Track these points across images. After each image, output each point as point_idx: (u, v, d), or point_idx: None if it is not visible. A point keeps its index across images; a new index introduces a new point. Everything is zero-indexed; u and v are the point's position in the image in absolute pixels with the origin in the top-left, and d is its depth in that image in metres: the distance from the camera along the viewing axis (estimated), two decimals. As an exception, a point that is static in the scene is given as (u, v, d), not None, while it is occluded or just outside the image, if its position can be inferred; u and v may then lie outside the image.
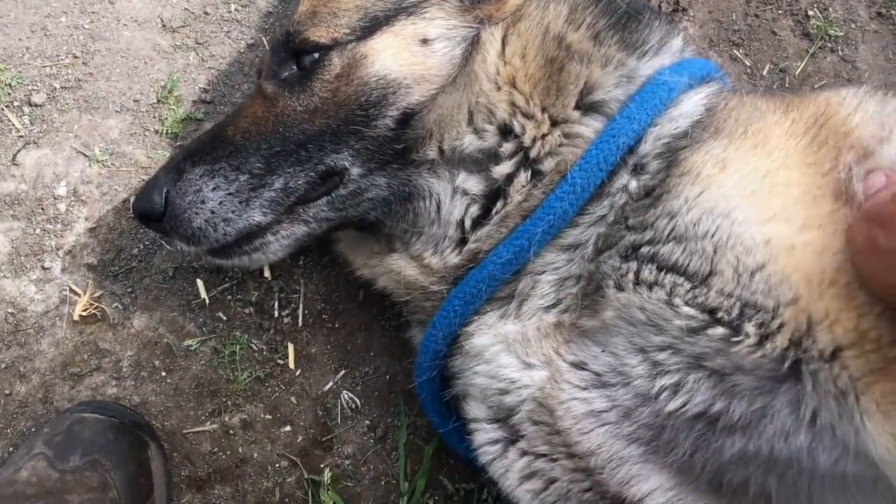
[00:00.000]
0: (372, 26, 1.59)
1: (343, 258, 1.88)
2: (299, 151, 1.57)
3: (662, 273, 1.28)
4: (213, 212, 1.58)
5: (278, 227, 1.62)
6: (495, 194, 1.55)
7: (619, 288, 1.32)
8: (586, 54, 1.51)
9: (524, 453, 1.45)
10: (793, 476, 1.20)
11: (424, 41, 1.58)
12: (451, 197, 1.57)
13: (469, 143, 1.54)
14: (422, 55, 1.58)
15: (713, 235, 1.25)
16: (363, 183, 1.59)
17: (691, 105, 1.48)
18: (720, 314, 1.19)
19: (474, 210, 1.56)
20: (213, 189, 1.58)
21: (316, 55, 1.59)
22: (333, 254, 1.94)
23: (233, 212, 1.58)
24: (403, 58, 1.57)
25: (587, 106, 1.52)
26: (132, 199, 1.69)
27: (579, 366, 1.36)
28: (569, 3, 1.56)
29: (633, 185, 1.42)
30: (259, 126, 1.61)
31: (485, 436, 1.51)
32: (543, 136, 1.51)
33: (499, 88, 1.52)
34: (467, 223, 1.56)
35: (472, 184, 1.55)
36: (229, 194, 1.57)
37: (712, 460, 1.23)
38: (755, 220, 1.24)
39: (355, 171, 1.58)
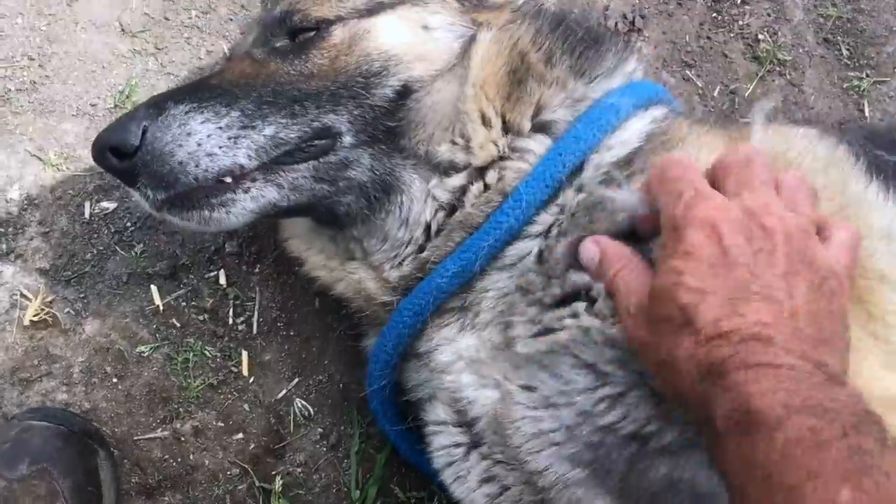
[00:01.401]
0: (375, 8, 1.62)
1: (297, 257, 1.85)
2: (293, 106, 1.54)
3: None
4: (199, 144, 1.47)
5: (250, 185, 1.52)
6: (456, 205, 1.58)
7: (574, 316, 1.35)
8: (540, 74, 1.55)
9: (484, 457, 1.48)
10: None
11: (426, 27, 1.62)
12: (423, 200, 1.58)
13: (445, 150, 1.56)
14: (423, 38, 1.61)
15: None
16: (351, 155, 1.57)
17: (632, 132, 1.52)
18: None
19: (440, 217, 1.58)
20: (202, 122, 1.48)
21: (315, 32, 1.60)
22: (289, 259, 1.94)
23: (220, 147, 1.48)
24: (406, 37, 1.59)
25: (537, 125, 1.55)
26: (99, 134, 1.53)
27: (529, 388, 1.39)
28: (536, 25, 1.62)
29: (577, 200, 1.46)
30: (249, 79, 1.58)
31: (449, 438, 1.53)
32: (493, 142, 1.54)
33: (475, 91, 1.55)
34: (433, 227, 1.58)
35: (441, 191, 1.57)
36: (219, 128, 1.48)
37: (644, 485, 1.27)
38: None
39: (348, 139, 1.56)
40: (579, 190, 1.47)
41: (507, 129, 1.55)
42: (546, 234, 1.47)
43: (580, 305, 1.36)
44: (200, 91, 1.55)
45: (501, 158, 1.54)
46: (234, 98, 1.52)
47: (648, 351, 1.11)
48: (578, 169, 1.48)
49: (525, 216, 1.46)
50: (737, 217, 1.08)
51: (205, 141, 1.47)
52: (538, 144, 1.53)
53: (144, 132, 1.47)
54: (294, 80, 1.57)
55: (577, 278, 1.36)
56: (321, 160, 1.56)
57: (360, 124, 1.56)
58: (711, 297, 1.02)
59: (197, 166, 1.47)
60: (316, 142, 1.55)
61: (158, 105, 1.52)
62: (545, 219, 1.47)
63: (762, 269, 1.03)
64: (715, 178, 1.17)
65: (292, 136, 1.53)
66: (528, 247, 1.48)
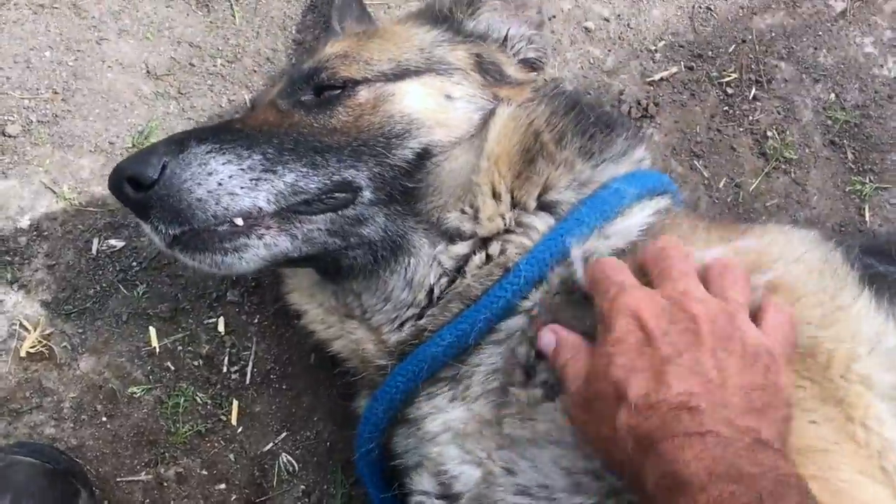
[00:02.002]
0: (401, 74, 1.68)
1: (297, 310, 1.87)
2: (314, 156, 1.56)
3: None
4: (220, 184, 1.49)
5: (265, 232, 1.53)
6: (458, 273, 1.60)
7: (551, 411, 1.37)
8: (551, 154, 1.59)
9: None
10: None
11: (448, 97, 1.67)
12: (429, 264, 1.61)
13: (454, 217, 1.59)
14: (445, 106, 1.65)
15: None
16: (368, 212, 1.59)
17: (633, 223, 1.55)
18: None
19: (443, 282, 1.60)
20: (224, 163, 1.50)
21: (340, 90, 1.64)
22: (289, 312, 1.96)
23: (241, 188, 1.50)
24: (428, 104, 1.64)
25: (543, 204, 1.59)
26: (118, 164, 1.54)
27: (510, 472, 1.40)
28: (552, 106, 1.66)
29: (567, 275, 1.47)
30: (272, 127, 1.61)
31: None
32: (501, 216, 1.57)
33: (489, 165, 1.58)
34: (436, 292, 1.60)
35: (446, 257, 1.60)
36: (241, 169, 1.51)
37: None
38: None
39: (367, 194, 1.58)
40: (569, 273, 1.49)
41: (514, 204, 1.59)
42: (529, 311, 1.49)
43: (551, 405, 1.38)
44: (223, 133, 1.58)
45: (507, 231, 1.57)
46: (256, 142, 1.55)
47: (588, 427, 1.20)
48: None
49: (523, 292, 1.48)
50: (659, 304, 1.20)
51: (226, 181, 1.49)
52: (541, 223, 1.56)
53: (164, 167, 1.49)
54: (317, 132, 1.60)
55: (546, 374, 1.39)
56: (339, 213, 1.58)
57: (379, 182, 1.59)
58: (640, 373, 1.11)
59: (217, 203, 1.48)
60: (336, 194, 1.58)
61: (180, 142, 1.54)
62: (536, 296, 1.49)
63: (687, 346, 1.13)
64: (642, 272, 1.30)
65: (312, 186, 1.55)
66: (518, 323, 1.50)
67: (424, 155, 1.60)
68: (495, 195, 1.58)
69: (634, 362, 1.13)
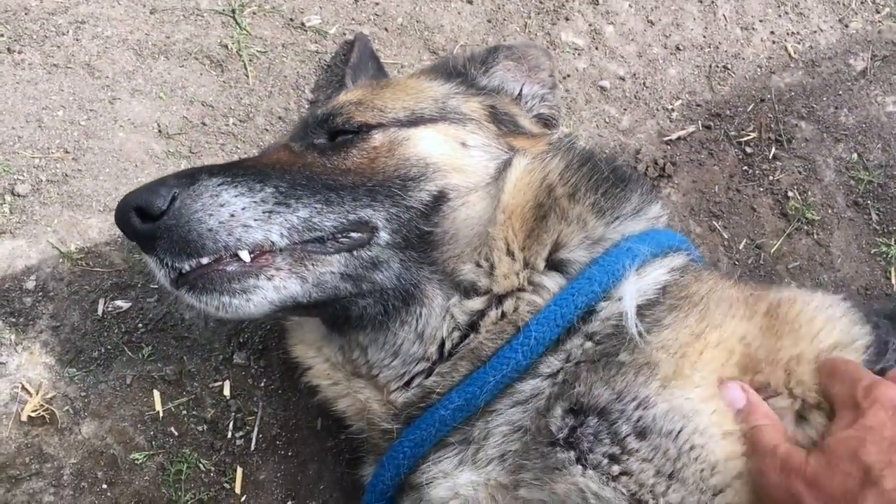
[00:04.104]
0: (416, 121, 1.67)
1: (302, 363, 1.80)
2: (328, 193, 1.53)
3: (626, 460, 1.27)
4: (232, 215, 1.44)
5: (274, 274, 1.48)
6: (470, 328, 1.55)
7: (583, 466, 1.31)
8: (563, 210, 1.55)
9: None
10: None
11: (464, 144, 1.65)
12: (441, 316, 1.56)
13: (469, 270, 1.55)
14: (461, 153, 1.63)
15: (677, 436, 1.26)
16: (383, 255, 1.55)
17: (648, 282, 1.50)
18: None
19: (455, 337, 1.55)
20: (237, 196, 1.47)
21: (354, 134, 1.63)
22: (294, 373, 1.90)
23: (255, 220, 1.45)
24: (444, 149, 1.62)
25: (554, 262, 1.54)
26: (126, 195, 1.49)
27: None
28: (566, 159, 1.62)
29: (588, 346, 1.43)
30: (284, 165, 1.58)
31: None
32: (515, 273, 1.52)
33: (504, 218, 1.55)
34: (447, 346, 1.55)
35: (459, 311, 1.55)
36: (254, 202, 1.47)
37: None
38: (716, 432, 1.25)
39: (384, 235, 1.55)
40: (588, 339, 1.44)
41: (525, 264, 1.54)
42: (554, 377, 1.43)
43: (576, 469, 1.31)
44: (234, 168, 1.55)
45: (519, 290, 1.53)
46: (268, 177, 1.52)
47: (804, 498, 1.17)
48: (589, 314, 1.46)
49: (533, 353, 1.44)
50: None
51: (239, 213, 1.45)
52: (552, 282, 1.52)
53: (174, 199, 1.44)
54: (330, 171, 1.58)
55: (563, 455, 1.33)
56: (354, 254, 1.53)
57: (396, 223, 1.55)
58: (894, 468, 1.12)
59: (229, 235, 1.43)
60: (352, 234, 1.53)
61: (191, 175, 1.50)
62: (553, 363, 1.44)
63: None
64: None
65: (327, 223, 1.51)
66: (540, 387, 1.44)
67: (441, 198, 1.57)
68: (509, 252, 1.54)
69: (891, 456, 1.13)
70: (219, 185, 1.48)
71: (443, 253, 1.57)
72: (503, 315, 1.52)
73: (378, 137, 1.62)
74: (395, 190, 1.57)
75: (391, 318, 1.59)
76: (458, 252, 1.57)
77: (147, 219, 1.45)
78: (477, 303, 1.54)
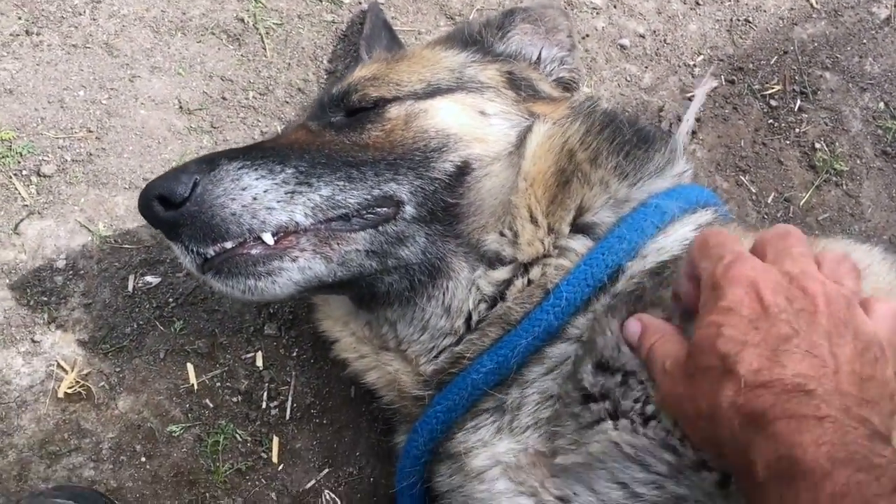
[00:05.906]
0: (432, 92, 1.65)
1: (329, 337, 1.81)
2: (349, 170, 1.52)
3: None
4: (255, 198, 1.45)
5: (298, 254, 1.48)
6: (498, 297, 1.54)
7: (615, 417, 1.30)
8: (585, 174, 1.54)
9: None
10: None
11: (483, 113, 1.63)
12: (467, 289, 1.56)
13: (493, 240, 1.55)
14: (480, 122, 1.62)
15: None
16: (409, 230, 1.54)
17: (674, 238, 1.49)
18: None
19: (482, 308, 1.54)
20: (258, 178, 1.47)
21: (370, 109, 1.62)
22: (323, 340, 1.90)
23: (278, 201, 1.45)
24: (463, 119, 1.61)
25: (580, 226, 1.53)
26: (147, 183, 1.51)
27: (564, 500, 1.34)
28: (587, 123, 1.60)
29: (613, 304, 1.42)
30: (303, 145, 1.58)
31: None
32: (540, 240, 1.51)
33: (526, 186, 1.54)
34: (475, 318, 1.54)
35: (485, 282, 1.54)
36: (275, 183, 1.47)
37: None
38: None
39: (409, 209, 1.54)
40: (614, 298, 1.43)
41: (550, 230, 1.53)
42: (580, 339, 1.42)
43: (607, 425, 1.31)
44: (253, 151, 1.55)
45: (545, 256, 1.52)
46: (288, 158, 1.52)
47: (685, 404, 1.12)
48: (616, 273, 1.45)
49: (564, 315, 1.43)
50: (776, 279, 1.11)
51: (261, 196, 1.45)
52: (580, 244, 1.51)
53: (195, 185, 1.45)
54: (348, 148, 1.57)
55: (596, 407, 1.33)
56: (379, 230, 1.53)
57: (421, 196, 1.54)
58: (752, 348, 1.04)
59: (253, 218, 1.44)
60: (377, 210, 1.53)
61: (211, 161, 1.51)
62: (582, 322, 1.43)
63: (803, 326, 1.06)
64: (755, 253, 1.21)
65: (351, 200, 1.51)
66: (567, 351, 1.43)
67: (465, 169, 1.56)
68: (532, 220, 1.53)
69: (747, 335, 1.05)
70: (239, 168, 1.48)
71: (468, 225, 1.56)
72: (530, 282, 1.51)
73: (394, 111, 1.61)
74: (417, 162, 1.56)
75: (418, 293, 1.58)
76: (483, 223, 1.56)
77: (170, 206, 1.46)
78: (502, 272, 1.53)
